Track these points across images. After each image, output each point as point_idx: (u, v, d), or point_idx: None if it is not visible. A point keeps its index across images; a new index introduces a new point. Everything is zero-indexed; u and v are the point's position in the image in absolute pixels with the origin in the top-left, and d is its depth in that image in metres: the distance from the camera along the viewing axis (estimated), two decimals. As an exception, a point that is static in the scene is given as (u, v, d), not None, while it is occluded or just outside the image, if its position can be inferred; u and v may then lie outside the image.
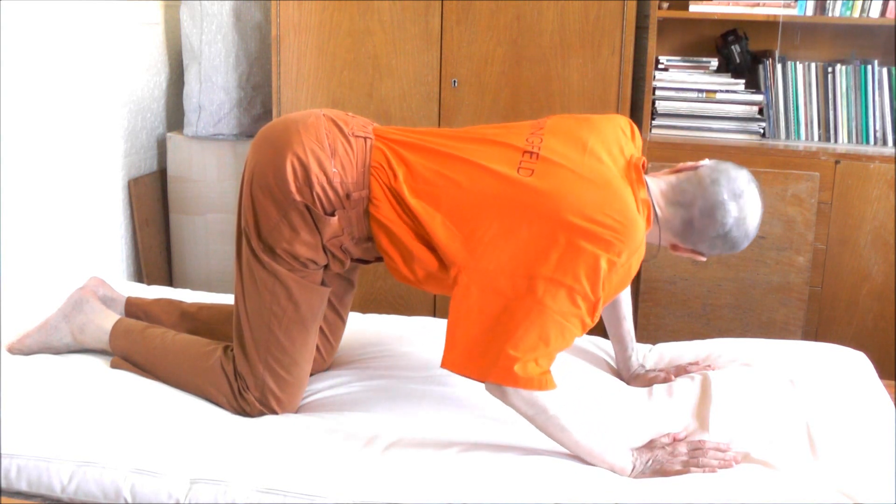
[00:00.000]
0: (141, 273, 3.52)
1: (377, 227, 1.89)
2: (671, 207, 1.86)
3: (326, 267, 1.98)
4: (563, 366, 2.17)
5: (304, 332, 1.95)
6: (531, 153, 1.85)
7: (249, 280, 1.94)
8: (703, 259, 1.93)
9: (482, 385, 1.75)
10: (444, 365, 1.75)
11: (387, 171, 1.87)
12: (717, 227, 1.84)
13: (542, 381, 1.69)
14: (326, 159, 1.87)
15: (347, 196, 1.87)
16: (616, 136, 1.92)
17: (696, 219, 1.85)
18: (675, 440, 1.78)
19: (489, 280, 1.74)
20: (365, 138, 1.92)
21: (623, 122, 2.00)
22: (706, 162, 1.90)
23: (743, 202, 1.84)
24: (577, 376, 2.11)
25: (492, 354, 1.69)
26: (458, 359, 1.74)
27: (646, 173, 1.90)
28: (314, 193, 1.86)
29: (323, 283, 1.98)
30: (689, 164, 1.92)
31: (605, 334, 2.23)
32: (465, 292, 1.75)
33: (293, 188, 1.86)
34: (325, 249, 1.92)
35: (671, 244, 1.92)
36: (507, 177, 1.81)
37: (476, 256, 1.76)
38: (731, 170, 1.87)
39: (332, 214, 1.88)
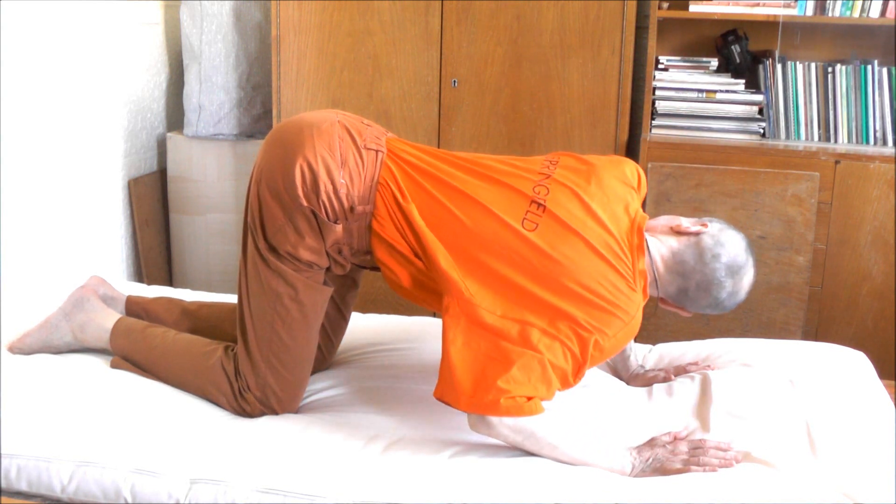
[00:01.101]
0: (141, 273, 3.52)
1: (378, 241, 1.89)
2: (669, 275, 1.89)
3: (328, 269, 1.98)
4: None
5: (306, 331, 1.95)
6: (538, 204, 1.84)
7: (254, 278, 1.94)
8: (688, 315, 1.97)
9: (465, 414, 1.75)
10: (435, 395, 1.75)
11: (394, 190, 1.87)
12: (709, 300, 1.89)
13: (531, 407, 1.68)
14: (336, 169, 1.87)
15: (352, 209, 1.87)
16: (623, 193, 1.92)
17: (691, 290, 1.88)
18: (676, 439, 1.78)
19: (481, 317, 1.74)
20: (377, 151, 1.92)
21: (630, 169, 2.00)
22: (709, 228, 1.89)
23: (739, 277, 1.87)
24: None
25: (482, 388, 1.68)
26: (446, 389, 1.73)
27: (646, 230, 1.90)
28: (320, 201, 1.86)
29: (325, 283, 1.99)
30: (692, 228, 1.90)
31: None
32: (455, 322, 1.75)
33: (300, 192, 1.86)
34: (327, 254, 1.93)
35: (660, 298, 1.95)
36: (512, 227, 1.81)
37: (471, 292, 1.76)
38: (732, 242, 1.88)
39: (336, 222, 1.88)
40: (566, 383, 1.75)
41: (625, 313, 1.77)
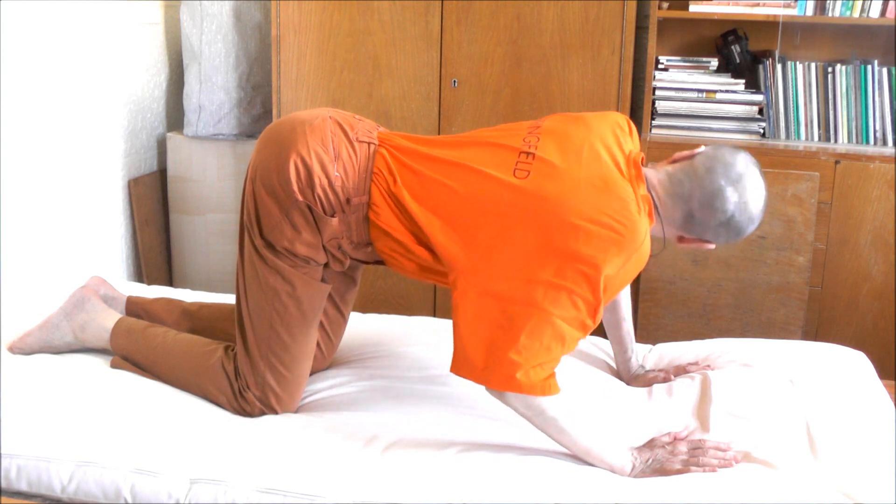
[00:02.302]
0: (141, 273, 3.52)
1: (377, 232, 1.89)
2: (670, 199, 1.84)
3: (326, 265, 1.99)
4: (563, 366, 2.17)
5: (304, 329, 1.95)
6: (527, 153, 1.84)
7: (251, 276, 1.94)
8: (712, 247, 1.89)
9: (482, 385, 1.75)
10: (451, 370, 1.76)
11: (387, 177, 1.88)
12: (718, 216, 1.81)
13: (545, 387, 1.69)
14: (330, 162, 1.88)
15: (348, 201, 1.88)
16: (613, 133, 1.90)
17: (696, 210, 1.82)
18: (676, 439, 1.78)
19: (487, 285, 1.73)
20: (369, 144, 1.92)
21: (620, 118, 1.98)
22: (702, 149, 1.88)
23: (742, 186, 1.80)
24: (576, 377, 2.11)
25: (494, 360, 1.69)
26: (461, 363, 1.74)
27: (644, 167, 1.89)
28: (315, 195, 1.87)
29: (323, 280, 1.99)
30: (686, 153, 1.90)
31: (605, 335, 2.23)
32: (464, 297, 1.75)
33: (295, 188, 1.86)
34: (324, 249, 1.93)
35: (677, 237, 1.90)
36: (503, 181, 1.80)
37: (474, 261, 1.76)
38: (727, 155, 1.84)
39: (333, 216, 1.88)
40: (585, 328, 1.73)
41: (632, 236, 1.72)
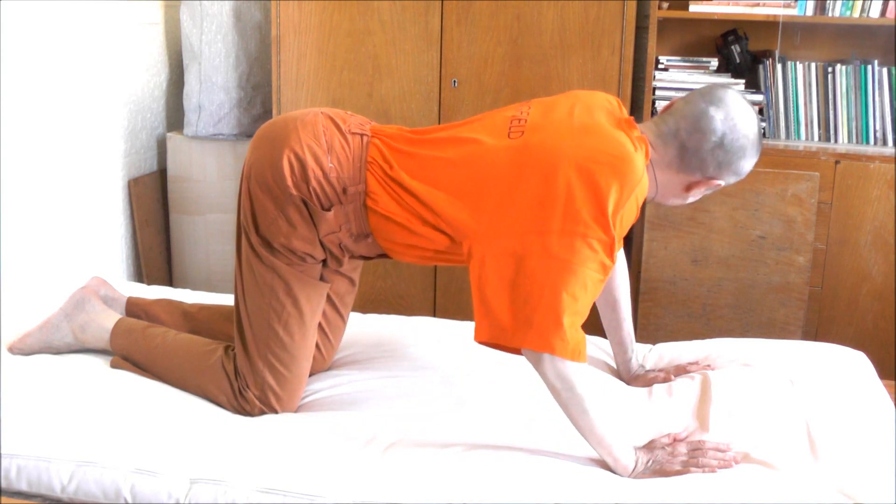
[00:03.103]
0: (141, 273, 3.52)
1: (378, 219, 1.89)
2: (661, 140, 1.85)
3: (325, 263, 1.99)
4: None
5: (302, 328, 1.95)
6: (519, 119, 1.87)
7: (249, 276, 1.95)
8: (722, 184, 1.87)
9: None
10: (475, 339, 1.75)
11: (382, 164, 1.89)
12: (709, 137, 1.81)
13: (576, 353, 1.68)
14: (323, 155, 1.88)
15: (344, 191, 1.88)
16: (602, 103, 1.92)
17: (686, 140, 1.82)
18: (675, 440, 1.78)
19: (501, 246, 1.74)
20: (361, 135, 1.94)
21: (610, 96, 2.00)
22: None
23: (725, 104, 1.81)
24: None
25: (523, 319, 1.69)
26: (487, 329, 1.73)
27: None
28: (311, 188, 1.87)
29: (322, 279, 1.99)
30: (664, 105, 1.91)
31: (605, 335, 2.23)
32: (480, 263, 1.76)
33: (290, 183, 1.87)
34: (322, 245, 1.93)
35: (683, 186, 1.88)
36: (498, 144, 1.83)
37: (484, 225, 1.77)
38: (702, 88, 1.86)
39: (329, 210, 1.89)
40: (605, 269, 1.73)
41: (631, 167, 1.73)
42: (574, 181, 1.71)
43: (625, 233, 1.82)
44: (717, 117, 1.80)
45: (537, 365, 1.71)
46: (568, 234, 1.70)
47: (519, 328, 1.70)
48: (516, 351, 1.76)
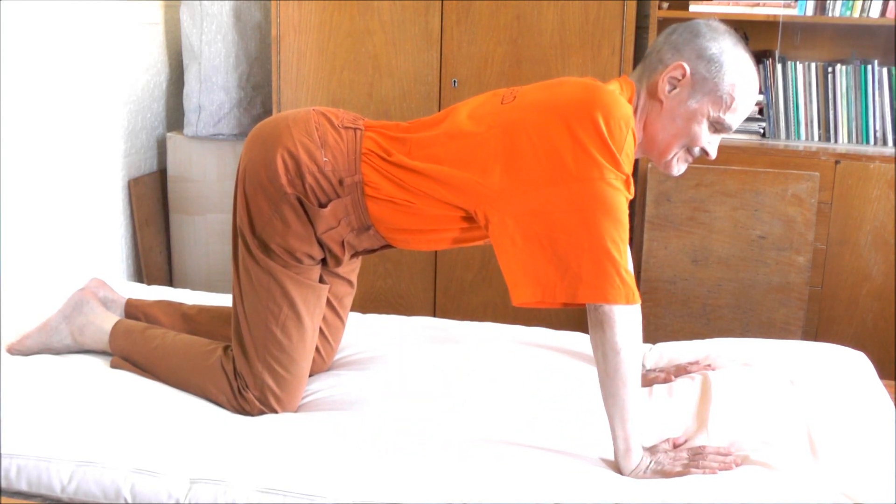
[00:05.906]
0: (141, 273, 3.52)
1: (381, 208, 1.89)
2: (637, 75, 1.88)
3: (324, 263, 1.98)
4: (562, 366, 2.17)
5: (301, 330, 1.95)
6: (511, 91, 1.91)
7: (246, 278, 1.95)
8: (733, 122, 1.82)
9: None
10: (515, 303, 1.74)
11: (379, 153, 1.89)
12: (707, 54, 1.78)
13: (630, 296, 1.68)
14: (316, 150, 1.89)
15: (340, 182, 1.88)
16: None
17: (663, 53, 1.83)
18: (675, 446, 1.78)
19: (520, 205, 1.75)
20: (355, 129, 1.94)
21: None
22: None
23: (703, 25, 1.82)
24: (576, 376, 2.11)
25: (571, 275, 1.69)
26: (529, 290, 1.72)
27: None
28: (306, 185, 1.87)
29: (321, 281, 1.99)
30: None
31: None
32: (503, 227, 1.76)
33: (284, 181, 1.87)
34: (320, 243, 1.93)
35: (685, 117, 1.81)
36: (493, 111, 1.85)
37: (495, 188, 1.78)
38: None
39: (325, 206, 1.89)
40: (627, 201, 1.74)
41: (618, 104, 1.74)
42: (574, 126, 1.72)
43: (631, 168, 1.79)
44: (705, 34, 1.81)
45: (602, 325, 1.68)
46: (582, 179, 1.71)
47: (570, 283, 1.69)
48: (562, 305, 1.74)
